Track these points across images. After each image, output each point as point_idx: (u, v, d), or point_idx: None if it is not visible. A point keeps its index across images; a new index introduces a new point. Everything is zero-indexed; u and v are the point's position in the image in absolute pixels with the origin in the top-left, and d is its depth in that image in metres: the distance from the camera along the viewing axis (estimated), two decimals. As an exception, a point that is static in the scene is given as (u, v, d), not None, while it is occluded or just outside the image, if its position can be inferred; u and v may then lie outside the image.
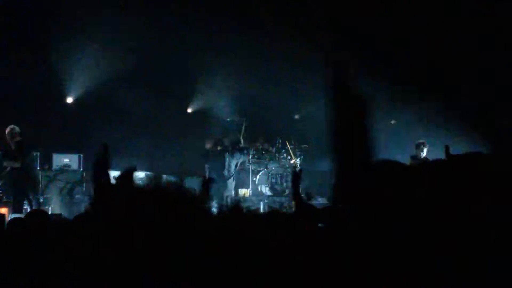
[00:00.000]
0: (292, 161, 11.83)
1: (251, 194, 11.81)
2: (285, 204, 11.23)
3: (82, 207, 9.64)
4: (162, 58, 12.41)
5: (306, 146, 12.14)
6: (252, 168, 11.90)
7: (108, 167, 2.65)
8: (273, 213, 2.57)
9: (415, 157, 10.32)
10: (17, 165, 8.86)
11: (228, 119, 12.20)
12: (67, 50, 11.32)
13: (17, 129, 8.97)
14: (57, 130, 11.46)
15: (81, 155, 10.88)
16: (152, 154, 12.17)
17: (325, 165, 12.53)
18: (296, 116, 14.48)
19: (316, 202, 9.81)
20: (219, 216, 1.27)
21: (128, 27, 11.22)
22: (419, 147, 10.36)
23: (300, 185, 4.02)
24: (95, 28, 11.05)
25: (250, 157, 11.86)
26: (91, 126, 11.40)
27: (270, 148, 12.12)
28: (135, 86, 11.92)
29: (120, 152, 11.77)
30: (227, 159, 10.79)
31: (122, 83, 11.85)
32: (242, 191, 11.90)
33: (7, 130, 8.90)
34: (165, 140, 12.51)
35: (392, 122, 11.77)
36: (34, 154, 9.69)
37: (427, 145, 10.38)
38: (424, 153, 10.29)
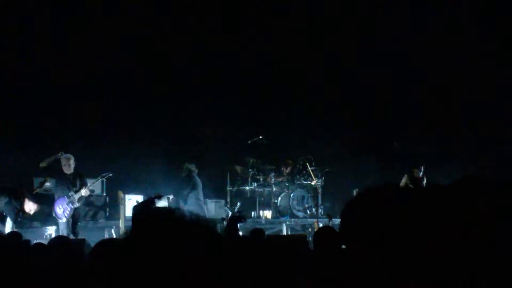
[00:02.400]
0: (313, 183, 11.76)
1: (273, 216, 11.73)
2: (307, 226, 11.14)
3: (105, 232, 9.75)
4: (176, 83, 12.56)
5: (328, 169, 12.07)
6: (274, 190, 11.85)
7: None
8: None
9: (412, 176, 10.62)
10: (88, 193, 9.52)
11: (249, 141, 12.18)
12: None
13: None
14: (80, 156, 11.63)
15: (104, 180, 10.96)
16: (169, 178, 12.22)
17: (347, 186, 12.48)
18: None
19: (338, 222, 9.74)
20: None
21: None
22: (417, 167, 10.66)
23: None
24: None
25: (272, 180, 11.83)
26: (113, 151, 11.53)
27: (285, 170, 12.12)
28: (151, 110, 12.08)
29: (142, 177, 11.99)
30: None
31: (138, 109, 12.04)
32: (264, 213, 11.83)
33: (70, 159, 9.35)
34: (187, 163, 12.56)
35: (395, 144, 11.96)
36: None
37: (424, 165, 10.72)
38: (421, 173, 10.63)
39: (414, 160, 11.34)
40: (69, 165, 9.33)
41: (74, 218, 9.35)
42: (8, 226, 8.75)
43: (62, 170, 9.38)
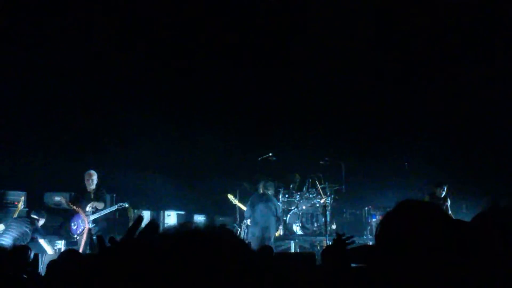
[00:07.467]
0: (322, 201, 11.71)
1: (282, 233, 11.69)
2: (316, 243, 11.08)
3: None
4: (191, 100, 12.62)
5: (337, 186, 12.03)
6: (283, 207, 11.81)
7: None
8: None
9: (433, 195, 10.47)
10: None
11: (259, 158, 12.17)
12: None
13: None
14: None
15: (114, 195, 11.00)
16: (182, 193, 12.25)
17: (355, 205, 12.41)
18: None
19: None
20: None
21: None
22: (440, 186, 10.49)
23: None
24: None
25: (280, 196, 11.80)
26: (122, 167, 11.58)
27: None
28: (161, 127, 12.14)
29: (151, 192, 12.03)
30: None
31: (148, 126, 12.10)
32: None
33: (93, 175, 9.32)
34: (196, 179, 12.59)
35: (406, 164, 11.87)
36: None
37: (447, 185, 10.58)
38: (444, 192, 10.43)
39: (430, 177, 11.09)
40: (91, 181, 9.29)
41: (90, 238, 9.10)
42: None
43: (84, 186, 9.34)
